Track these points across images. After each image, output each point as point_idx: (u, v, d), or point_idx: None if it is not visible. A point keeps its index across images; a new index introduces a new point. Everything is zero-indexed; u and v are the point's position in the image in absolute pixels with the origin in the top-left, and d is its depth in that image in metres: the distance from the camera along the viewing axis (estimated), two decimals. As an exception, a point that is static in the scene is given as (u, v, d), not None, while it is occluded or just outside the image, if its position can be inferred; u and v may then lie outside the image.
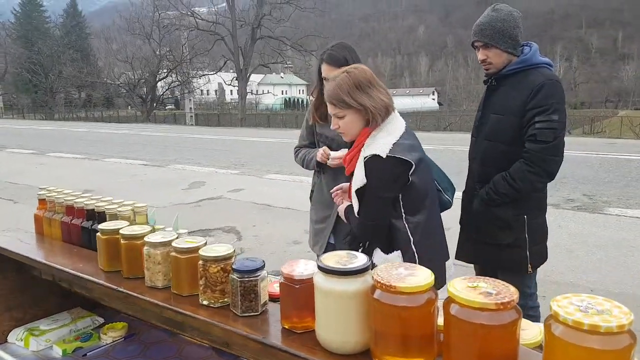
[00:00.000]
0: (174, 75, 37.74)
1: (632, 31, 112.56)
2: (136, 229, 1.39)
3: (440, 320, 0.87)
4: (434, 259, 1.88)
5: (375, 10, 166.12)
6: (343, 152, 2.38)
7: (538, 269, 2.41)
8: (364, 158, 1.77)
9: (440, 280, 1.79)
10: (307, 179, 8.20)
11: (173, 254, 1.26)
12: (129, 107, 44.91)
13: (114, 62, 43.55)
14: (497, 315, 0.76)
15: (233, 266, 1.14)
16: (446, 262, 1.99)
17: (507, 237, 2.31)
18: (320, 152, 2.38)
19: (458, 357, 0.81)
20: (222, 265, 1.18)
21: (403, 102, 66.06)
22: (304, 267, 1.07)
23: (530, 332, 1.07)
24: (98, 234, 1.44)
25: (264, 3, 32.35)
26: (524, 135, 2.21)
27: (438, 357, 0.88)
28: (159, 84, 39.71)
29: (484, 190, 2.33)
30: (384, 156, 1.74)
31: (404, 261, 1.78)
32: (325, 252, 2.50)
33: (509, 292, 0.80)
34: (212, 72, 38.90)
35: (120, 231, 1.38)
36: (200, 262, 1.19)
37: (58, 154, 12.60)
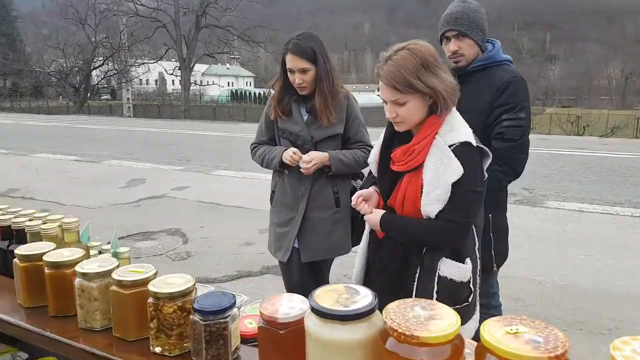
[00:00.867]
0: (110, 64, 35.72)
1: (559, 34, 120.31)
2: (65, 254, 1.11)
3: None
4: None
5: (323, 4, 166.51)
6: (317, 155, 2.17)
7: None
8: (451, 146, 1.51)
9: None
10: (260, 175, 7.91)
11: (114, 288, 0.99)
12: (60, 97, 42.13)
13: (44, 49, 40.64)
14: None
15: (194, 305, 0.90)
16: None
17: None
18: (289, 154, 2.16)
19: None
20: (180, 304, 0.94)
21: (350, 97, 66.48)
22: (288, 305, 0.85)
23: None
24: (15, 260, 1.14)
25: (210, -10, 31.31)
26: (491, 133, 2.16)
27: None
28: (93, 72, 37.47)
29: None
30: (475, 145, 1.52)
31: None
32: (289, 258, 2.29)
33: (558, 338, 0.63)
34: (152, 61, 37.17)
35: (44, 257, 1.09)
36: (151, 299, 0.94)
37: (-22, 148, 11.48)
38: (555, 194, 6.76)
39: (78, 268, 1.03)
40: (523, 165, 2.20)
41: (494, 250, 2.28)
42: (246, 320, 1.01)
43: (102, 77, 38.14)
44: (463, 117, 2.23)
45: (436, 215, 1.51)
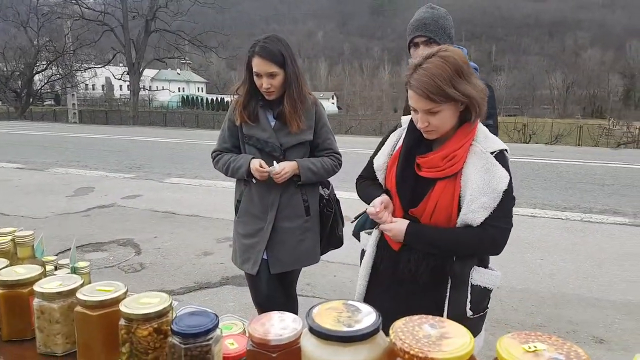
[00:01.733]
0: (54, 68, 34.08)
1: (504, 46, 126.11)
2: (20, 272, 1.00)
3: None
4: None
5: (276, 12, 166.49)
6: (288, 164, 2.10)
7: None
8: (492, 153, 1.49)
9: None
10: (217, 182, 7.73)
11: (80, 309, 0.89)
12: (0, 103, 39.78)
13: (-19, 52, 38.25)
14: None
15: (173, 327, 0.81)
16: None
17: None
18: (257, 170, 2.07)
19: None
20: (156, 325, 0.85)
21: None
22: (280, 326, 0.78)
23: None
24: (-41, 280, 1.01)
25: (160, -6, 30.54)
26: None
27: None
28: (36, 77, 35.61)
29: None
30: (508, 153, 1.52)
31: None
32: (259, 269, 2.20)
33: (579, 356, 0.62)
34: (99, 65, 35.82)
35: (-4, 276, 0.98)
36: (123, 321, 0.85)
37: None
38: (511, 201, 7.02)
39: (37, 287, 0.93)
40: None
41: None
42: (227, 341, 0.93)
43: (46, 81, 36.35)
44: None
45: (481, 223, 1.45)
